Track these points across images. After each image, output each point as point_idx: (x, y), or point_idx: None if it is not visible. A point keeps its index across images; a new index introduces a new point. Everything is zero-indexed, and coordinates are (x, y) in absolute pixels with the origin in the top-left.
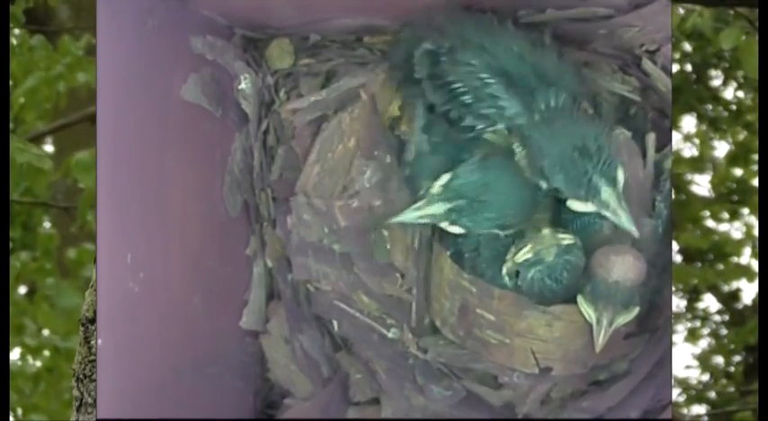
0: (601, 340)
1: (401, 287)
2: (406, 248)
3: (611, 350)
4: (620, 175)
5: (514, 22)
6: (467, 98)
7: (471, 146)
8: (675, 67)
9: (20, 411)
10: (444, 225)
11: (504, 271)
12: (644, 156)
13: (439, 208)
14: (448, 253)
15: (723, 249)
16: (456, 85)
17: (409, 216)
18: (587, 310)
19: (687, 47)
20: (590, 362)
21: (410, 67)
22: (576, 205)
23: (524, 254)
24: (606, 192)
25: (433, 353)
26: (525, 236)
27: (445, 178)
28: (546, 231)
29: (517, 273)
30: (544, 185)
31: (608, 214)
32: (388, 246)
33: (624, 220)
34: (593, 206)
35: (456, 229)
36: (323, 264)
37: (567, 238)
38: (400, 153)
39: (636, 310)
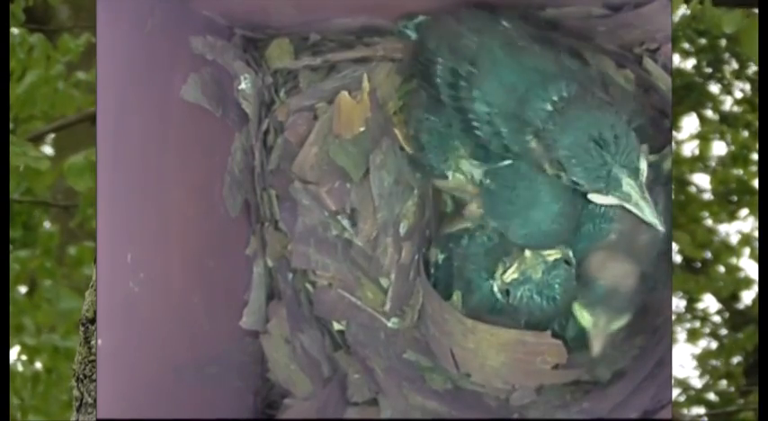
0: (596, 345)
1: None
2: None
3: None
4: (643, 165)
5: (524, 18)
6: (479, 133)
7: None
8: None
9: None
10: None
11: (495, 288)
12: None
13: None
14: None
15: (721, 253)
16: (471, 117)
17: None
18: (583, 315)
19: (687, 46)
20: (511, 380)
21: (427, 70)
22: (597, 198)
23: (511, 274)
24: (628, 184)
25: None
26: (511, 253)
27: None
28: (528, 251)
29: (507, 292)
30: (564, 178)
31: (630, 207)
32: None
33: (647, 213)
34: (615, 199)
35: None
36: (323, 255)
37: (552, 253)
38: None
39: (627, 316)
